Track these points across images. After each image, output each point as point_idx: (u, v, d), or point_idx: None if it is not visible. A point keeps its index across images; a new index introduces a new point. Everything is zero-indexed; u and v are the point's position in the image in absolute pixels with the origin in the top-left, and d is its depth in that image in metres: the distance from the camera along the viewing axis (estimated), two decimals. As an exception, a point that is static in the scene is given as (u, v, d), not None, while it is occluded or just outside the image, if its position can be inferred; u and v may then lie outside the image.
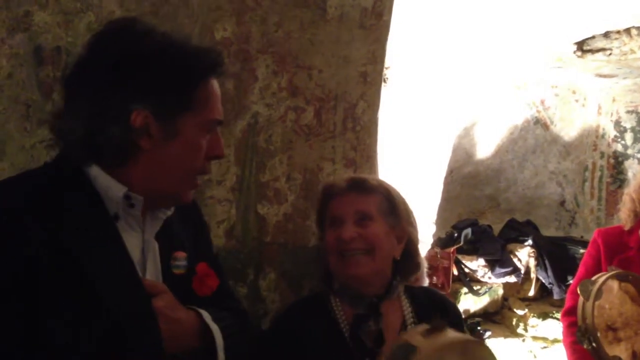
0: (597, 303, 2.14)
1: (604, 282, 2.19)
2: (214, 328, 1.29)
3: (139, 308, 1.15)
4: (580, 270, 2.62)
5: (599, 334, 2.12)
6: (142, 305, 1.16)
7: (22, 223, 1.06)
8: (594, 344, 2.13)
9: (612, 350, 2.14)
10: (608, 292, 2.18)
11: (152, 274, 1.25)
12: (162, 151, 1.20)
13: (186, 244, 1.36)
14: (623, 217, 2.56)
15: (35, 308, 1.04)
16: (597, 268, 2.49)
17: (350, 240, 1.63)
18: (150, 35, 1.20)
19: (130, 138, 1.16)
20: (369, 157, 2.30)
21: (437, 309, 1.73)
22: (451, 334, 1.37)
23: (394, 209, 1.72)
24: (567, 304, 2.60)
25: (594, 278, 2.24)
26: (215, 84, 1.26)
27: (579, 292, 2.22)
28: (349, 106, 2.24)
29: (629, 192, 2.58)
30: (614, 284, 2.21)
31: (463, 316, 4.47)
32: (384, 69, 2.42)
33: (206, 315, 1.29)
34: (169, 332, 1.18)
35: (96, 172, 1.18)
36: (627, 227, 2.52)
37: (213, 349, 1.28)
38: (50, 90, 1.77)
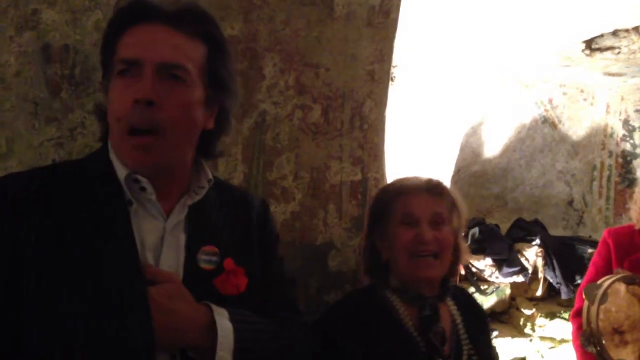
0: (602, 307, 2.13)
1: (609, 286, 2.18)
2: (224, 326, 1.20)
3: (132, 293, 1.12)
4: (590, 270, 2.60)
5: (603, 340, 2.11)
6: (136, 290, 1.12)
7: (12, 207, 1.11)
8: (598, 348, 2.12)
9: (618, 353, 2.13)
10: (614, 295, 2.17)
11: (169, 264, 1.20)
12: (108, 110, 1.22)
13: (227, 241, 1.29)
14: (634, 215, 2.53)
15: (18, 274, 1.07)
16: (607, 268, 2.47)
17: (429, 242, 1.63)
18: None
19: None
20: (376, 155, 2.29)
21: (472, 307, 1.81)
22: None
23: (458, 217, 1.74)
24: (577, 304, 2.58)
25: (599, 282, 2.25)
26: (138, 29, 1.19)
27: (584, 296, 2.21)
28: (356, 105, 2.23)
29: (639, 190, 2.56)
30: (621, 287, 2.20)
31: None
32: (391, 68, 2.41)
33: (219, 312, 1.21)
34: (162, 322, 1.12)
35: (111, 150, 1.22)
36: (638, 227, 2.49)
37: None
38: (58, 88, 1.78)
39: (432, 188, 1.72)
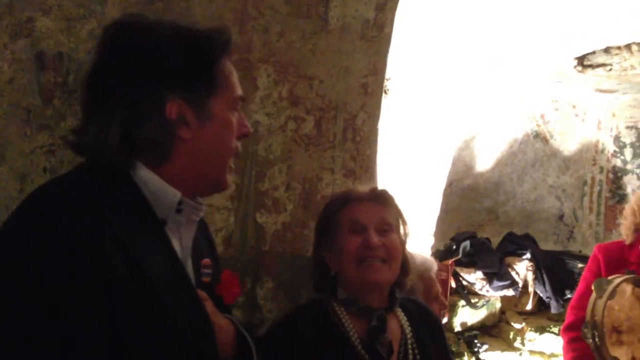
0: (609, 302, 2.16)
1: (619, 284, 2.21)
2: (248, 336, 1.29)
3: (199, 315, 1.14)
4: (581, 286, 2.61)
5: (605, 331, 2.13)
6: (200, 312, 1.14)
7: (98, 238, 1.00)
8: (597, 341, 2.15)
9: (613, 351, 2.15)
10: (620, 295, 2.20)
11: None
12: (201, 137, 1.17)
13: (207, 253, 1.34)
14: (624, 231, 2.56)
15: (113, 315, 1.00)
16: None
17: (376, 247, 1.64)
18: (162, 24, 1.20)
19: (170, 131, 1.14)
20: (368, 167, 2.30)
21: (426, 318, 1.80)
22: None
23: (404, 227, 1.76)
24: (568, 319, 2.59)
25: (610, 277, 2.28)
26: (230, 61, 1.25)
27: (593, 288, 2.25)
28: (349, 117, 2.24)
29: (630, 205, 2.58)
30: (628, 288, 2.23)
31: (460, 329, 4.47)
32: (385, 81, 2.43)
33: (238, 324, 1.29)
34: (218, 339, 1.17)
35: (145, 174, 1.14)
36: (628, 242, 2.51)
37: (247, 357, 1.28)
38: (51, 95, 1.78)
39: (377, 196, 1.73)
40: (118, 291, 1.00)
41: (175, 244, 1.19)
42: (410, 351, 1.67)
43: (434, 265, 2.42)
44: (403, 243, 1.75)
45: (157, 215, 1.15)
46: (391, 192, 1.82)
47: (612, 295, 2.18)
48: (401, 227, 1.76)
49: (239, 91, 1.24)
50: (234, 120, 1.22)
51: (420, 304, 1.89)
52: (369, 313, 1.66)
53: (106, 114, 1.12)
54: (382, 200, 1.74)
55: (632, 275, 2.29)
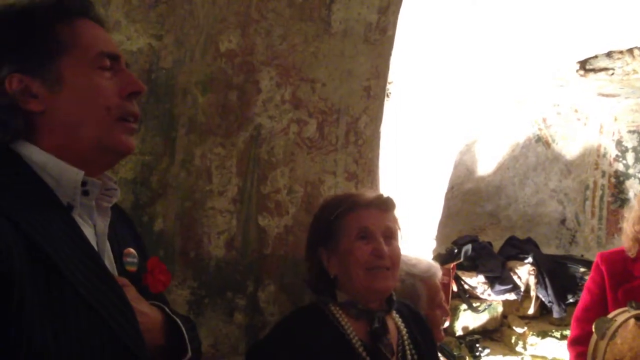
0: (611, 342, 2.11)
1: (622, 324, 2.15)
2: (179, 322, 1.25)
3: (117, 301, 1.10)
4: (585, 297, 2.55)
5: None
6: (119, 298, 1.11)
7: None
8: None
9: None
10: (622, 328, 2.15)
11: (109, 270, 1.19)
12: (59, 105, 1.13)
13: (130, 242, 1.31)
14: (626, 246, 2.47)
15: (12, 304, 0.95)
16: (601, 296, 2.44)
17: (386, 256, 1.66)
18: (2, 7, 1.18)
19: (16, 106, 1.11)
20: (370, 171, 2.30)
21: (414, 317, 1.82)
22: None
23: (400, 232, 1.78)
24: (573, 332, 2.52)
25: (611, 316, 2.20)
26: (84, 22, 1.20)
27: (593, 330, 2.17)
28: (351, 120, 2.24)
29: (628, 223, 2.49)
30: (630, 321, 2.17)
31: (462, 333, 4.46)
32: (387, 84, 2.43)
33: (168, 310, 1.26)
34: (142, 325, 1.13)
35: (38, 155, 1.11)
36: (631, 255, 2.43)
37: (178, 346, 1.24)
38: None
39: (383, 203, 1.74)
40: (19, 281, 0.96)
41: (89, 232, 1.16)
42: (408, 351, 1.69)
43: (439, 271, 2.40)
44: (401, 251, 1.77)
45: (62, 200, 1.11)
46: (394, 196, 1.83)
47: (614, 336, 2.13)
48: (399, 234, 1.77)
49: (103, 47, 1.18)
50: (102, 82, 1.16)
51: (407, 304, 1.90)
52: (369, 315, 1.67)
53: None
54: (387, 207, 1.75)
55: (635, 312, 2.22)
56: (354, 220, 1.70)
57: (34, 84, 1.12)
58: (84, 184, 1.14)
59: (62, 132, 1.13)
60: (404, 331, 1.73)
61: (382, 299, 1.71)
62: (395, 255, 1.69)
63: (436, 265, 2.39)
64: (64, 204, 1.11)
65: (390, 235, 1.71)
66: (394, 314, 1.77)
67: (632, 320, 2.17)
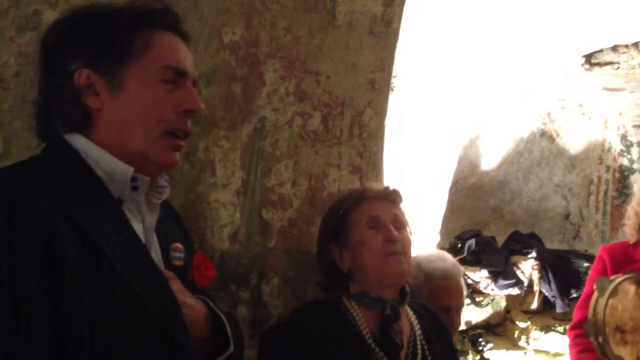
0: (610, 301, 2.18)
1: (620, 282, 2.23)
2: (223, 316, 1.29)
3: (163, 292, 1.13)
4: (587, 287, 2.63)
5: (607, 330, 2.15)
6: (164, 289, 1.14)
7: (41, 204, 1.02)
8: (600, 339, 2.16)
9: (617, 350, 2.17)
10: (623, 294, 2.22)
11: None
12: (114, 108, 1.18)
13: (178, 237, 1.35)
14: (628, 231, 2.59)
15: (61, 289, 1.00)
16: None
17: (398, 240, 1.67)
18: (90, 4, 1.23)
19: (79, 99, 1.16)
20: (374, 164, 2.29)
21: (431, 317, 1.83)
22: None
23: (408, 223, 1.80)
24: (575, 319, 2.62)
25: (612, 277, 2.30)
26: (164, 35, 1.23)
27: (595, 287, 2.26)
28: (356, 113, 2.23)
29: (633, 206, 2.60)
30: (631, 288, 2.25)
31: (465, 327, 4.45)
32: (392, 78, 2.41)
33: (212, 304, 1.29)
34: (186, 317, 1.16)
35: (93, 151, 1.16)
36: (632, 241, 2.54)
37: (221, 338, 1.27)
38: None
39: (390, 194, 1.78)
40: (68, 265, 1.01)
41: (137, 226, 1.20)
42: (419, 346, 1.68)
43: (453, 276, 2.25)
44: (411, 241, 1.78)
45: (113, 194, 1.16)
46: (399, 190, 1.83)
47: (613, 294, 2.21)
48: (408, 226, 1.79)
49: (171, 62, 1.21)
50: (160, 95, 1.19)
51: (426, 305, 1.90)
52: (381, 304, 1.67)
53: (39, 91, 1.21)
54: (395, 198, 1.78)
55: (634, 275, 2.30)
56: (362, 212, 1.72)
57: (99, 81, 1.17)
58: (133, 179, 1.17)
59: (113, 133, 1.18)
60: (417, 327, 1.73)
61: (396, 286, 1.71)
62: (407, 242, 1.70)
63: (456, 271, 2.28)
64: (115, 198, 1.16)
65: (399, 224, 1.72)
66: (408, 310, 1.77)
67: (633, 289, 2.23)
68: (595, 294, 2.26)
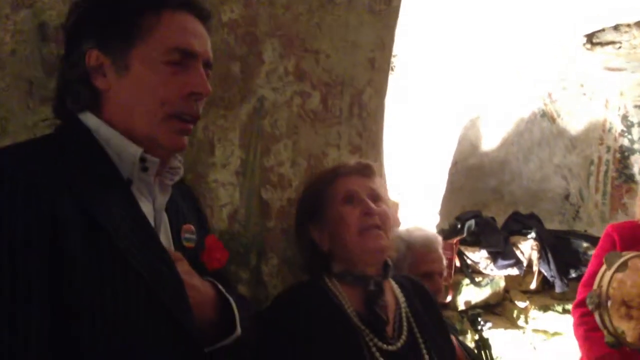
0: (619, 276, 2.20)
1: (631, 258, 2.26)
2: (231, 299, 1.28)
3: (168, 273, 1.13)
4: (593, 264, 2.65)
5: (609, 303, 2.19)
6: (169, 270, 1.14)
7: (45, 183, 1.03)
8: (601, 310, 2.19)
9: (619, 323, 2.19)
10: (633, 270, 2.25)
11: (164, 245, 1.22)
12: (120, 89, 1.18)
13: (191, 219, 1.34)
14: (637, 210, 2.63)
15: (62, 264, 1.01)
16: None
17: (375, 214, 1.66)
18: None
19: (87, 79, 1.18)
20: (374, 143, 2.27)
21: (417, 290, 1.82)
22: None
23: (387, 195, 1.79)
24: (579, 296, 2.64)
25: (623, 253, 2.33)
26: (174, 15, 1.22)
27: (604, 261, 2.30)
28: (355, 92, 2.21)
29: None
30: None
31: (464, 307, 4.47)
32: (392, 57, 2.39)
33: (221, 287, 1.29)
34: (192, 299, 1.16)
35: (104, 130, 1.17)
36: None
37: (229, 321, 1.26)
38: (53, 67, 1.74)
39: (364, 169, 1.77)
40: (69, 242, 1.01)
41: (147, 206, 1.20)
42: (405, 320, 1.68)
43: (437, 245, 2.41)
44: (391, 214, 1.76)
45: (123, 175, 1.16)
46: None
47: (622, 268, 2.23)
48: (387, 199, 1.77)
49: (179, 43, 1.19)
50: (164, 74, 1.18)
51: (412, 278, 1.90)
52: (364, 280, 1.67)
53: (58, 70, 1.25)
54: (369, 172, 1.76)
55: None
56: (337, 188, 1.71)
57: (106, 63, 1.17)
58: (142, 160, 1.18)
59: (120, 115, 1.19)
60: (402, 300, 1.73)
61: (378, 262, 1.71)
62: (384, 216, 1.68)
63: (435, 239, 2.40)
64: (124, 178, 1.16)
65: (376, 198, 1.70)
66: (393, 284, 1.76)
67: None
68: (603, 267, 2.28)
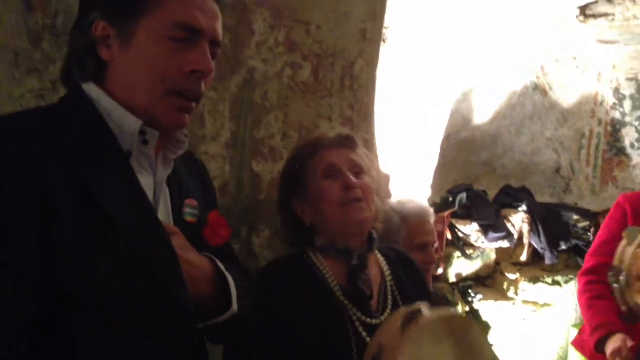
0: (638, 251, 2.19)
1: None
2: (228, 276, 1.28)
3: (162, 246, 1.13)
4: (603, 232, 2.64)
5: (630, 278, 2.18)
6: (164, 244, 1.14)
7: (38, 152, 1.03)
8: (623, 285, 2.19)
9: (637, 298, 2.19)
10: None
11: (163, 219, 1.22)
12: (122, 61, 1.18)
13: (196, 194, 1.34)
14: None
15: (52, 236, 1.01)
16: (621, 231, 2.50)
17: (356, 187, 1.64)
18: None
19: (92, 49, 1.18)
20: (366, 115, 2.27)
21: (404, 262, 1.82)
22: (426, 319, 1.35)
23: (372, 166, 1.78)
24: (587, 264, 2.64)
25: None
26: None
27: (624, 235, 2.27)
28: (347, 64, 2.19)
29: None
30: None
31: (455, 280, 4.51)
32: (384, 29, 2.37)
33: (219, 263, 1.28)
34: (187, 274, 1.16)
35: (105, 101, 1.17)
36: None
37: (226, 298, 1.26)
38: (39, 38, 1.72)
39: (345, 140, 1.74)
40: (59, 214, 1.01)
41: (147, 180, 1.20)
42: (390, 294, 1.68)
43: (430, 216, 2.42)
44: (374, 185, 1.75)
45: (122, 147, 1.16)
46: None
47: None
48: (373, 171, 1.77)
49: (184, 18, 1.17)
50: (166, 50, 1.17)
51: (399, 251, 1.90)
52: (348, 254, 1.66)
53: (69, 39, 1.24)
54: (350, 144, 1.74)
55: None
56: (318, 162, 1.70)
57: (112, 33, 1.17)
58: (142, 133, 1.17)
59: (122, 87, 1.18)
60: (387, 273, 1.73)
61: (362, 234, 1.70)
62: (366, 188, 1.67)
63: (428, 211, 2.41)
64: (124, 151, 1.16)
65: (358, 170, 1.69)
66: (379, 256, 1.76)
67: None
68: (624, 242, 2.26)
